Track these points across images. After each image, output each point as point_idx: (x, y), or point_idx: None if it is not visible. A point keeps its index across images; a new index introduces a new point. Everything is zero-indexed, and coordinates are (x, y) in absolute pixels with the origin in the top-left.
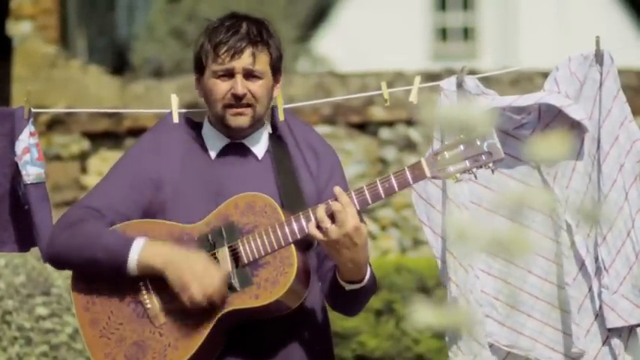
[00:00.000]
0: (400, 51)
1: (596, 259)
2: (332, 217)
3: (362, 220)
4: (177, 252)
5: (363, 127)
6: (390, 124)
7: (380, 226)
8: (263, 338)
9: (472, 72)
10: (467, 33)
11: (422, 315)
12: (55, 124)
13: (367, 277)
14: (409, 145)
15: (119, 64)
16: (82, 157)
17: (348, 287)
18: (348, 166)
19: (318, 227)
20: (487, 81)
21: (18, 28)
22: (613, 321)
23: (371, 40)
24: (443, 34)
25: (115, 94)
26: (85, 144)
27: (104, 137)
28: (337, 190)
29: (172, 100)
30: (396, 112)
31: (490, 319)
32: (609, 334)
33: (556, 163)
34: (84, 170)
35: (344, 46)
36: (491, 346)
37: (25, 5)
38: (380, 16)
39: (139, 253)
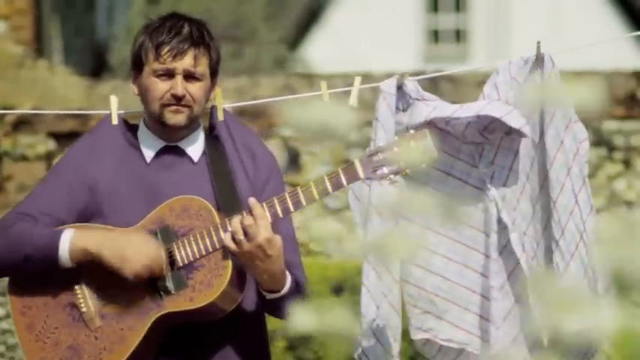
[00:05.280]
0: (392, 53)
1: (532, 257)
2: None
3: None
4: (110, 231)
5: None
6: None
7: (346, 227)
8: (198, 341)
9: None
10: (459, 35)
11: (300, 319)
12: (21, 124)
13: (287, 286)
14: None
15: (98, 65)
16: (48, 157)
17: (269, 296)
18: (314, 168)
19: (233, 239)
20: (454, 83)
21: None
22: None
23: (363, 41)
24: (435, 35)
25: (81, 94)
26: (51, 144)
27: (70, 137)
28: (251, 201)
29: (112, 102)
30: (363, 114)
31: (429, 314)
32: None
33: (419, 167)
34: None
35: (336, 48)
36: (426, 342)
37: None
38: (372, 18)
39: (70, 240)
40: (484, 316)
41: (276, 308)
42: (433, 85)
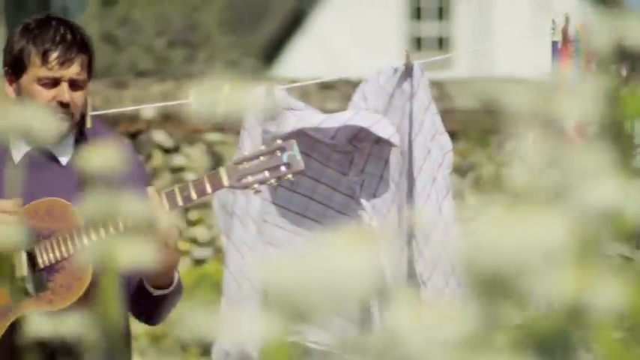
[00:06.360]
0: (376, 60)
1: (397, 266)
2: None
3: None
4: None
5: None
6: None
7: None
8: (59, 345)
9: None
10: (441, 42)
11: (35, 324)
12: None
13: (175, 282)
14: None
15: None
16: None
17: (156, 293)
18: None
19: None
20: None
21: None
22: None
23: (346, 49)
24: (418, 43)
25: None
26: None
27: None
28: (151, 191)
29: None
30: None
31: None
32: None
33: (100, 172)
34: None
35: (320, 54)
36: (291, 345)
37: None
38: (355, 25)
39: None
40: (354, 321)
41: (158, 308)
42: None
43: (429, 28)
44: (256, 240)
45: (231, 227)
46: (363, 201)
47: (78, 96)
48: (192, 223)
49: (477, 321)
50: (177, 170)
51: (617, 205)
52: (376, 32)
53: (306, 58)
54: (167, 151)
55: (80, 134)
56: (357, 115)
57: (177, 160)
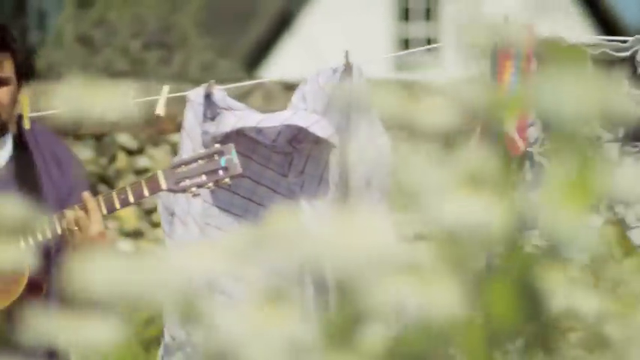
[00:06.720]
0: (364, 61)
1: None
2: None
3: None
4: None
5: None
6: None
7: None
8: None
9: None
10: (429, 43)
11: None
12: None
13: None
14: None
15: None
16: None
17: None
18: None
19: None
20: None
21: None
22: None
23: (334, 50)
24: (405, 44)
25: None
26: None
27: None
28: (85, 195)
29: None
30: None
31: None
32: None
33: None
34: None
35: (308, 55)
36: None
37: None
38: (343, 27)
39: None
40: None
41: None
42: None
43: (417, 29)
44: (198, 241)
45: (173, 228)
46: (302, 202)
47: (1, 93)
48: (155, 225)
49: (327, 325)
50: (141, 172)
51: (477, 217)
52: (364, 33)
53: (294, 59)
54: (131, 152)
55: (19, 136)
56: (296, 114)
57: (142, 161)
